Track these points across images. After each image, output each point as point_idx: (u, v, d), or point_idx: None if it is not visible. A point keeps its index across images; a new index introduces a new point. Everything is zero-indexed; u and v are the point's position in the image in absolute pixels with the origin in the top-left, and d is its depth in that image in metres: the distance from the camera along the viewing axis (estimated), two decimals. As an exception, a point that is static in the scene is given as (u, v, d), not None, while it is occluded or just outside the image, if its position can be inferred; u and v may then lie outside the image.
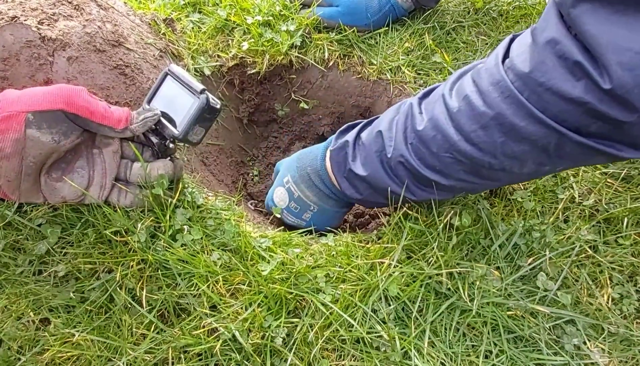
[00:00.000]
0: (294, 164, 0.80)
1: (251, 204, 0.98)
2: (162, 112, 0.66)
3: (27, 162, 0.57)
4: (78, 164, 0.62)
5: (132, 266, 0.65)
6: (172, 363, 0.61)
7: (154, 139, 0.66)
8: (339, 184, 0.73)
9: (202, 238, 0.68)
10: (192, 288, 0.65)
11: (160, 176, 0.64)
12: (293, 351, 0.61)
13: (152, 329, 0.63)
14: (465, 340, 0.64)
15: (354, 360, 0.62)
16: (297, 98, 1.07)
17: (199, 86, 0.64)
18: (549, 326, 0.65)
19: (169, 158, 0.68)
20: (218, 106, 0.65)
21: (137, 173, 0.64)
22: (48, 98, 0.57)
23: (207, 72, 0.96)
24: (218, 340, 0.60)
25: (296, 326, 0.63)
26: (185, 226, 0.68)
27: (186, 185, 0.74)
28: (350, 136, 0.71)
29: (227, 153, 1.01)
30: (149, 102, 0.67)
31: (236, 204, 0.79)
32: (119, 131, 0.61)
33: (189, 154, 0.88)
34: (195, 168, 0.86)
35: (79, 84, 0.73)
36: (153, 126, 0.65)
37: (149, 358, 0.60)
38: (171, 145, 0.66)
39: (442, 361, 0.62)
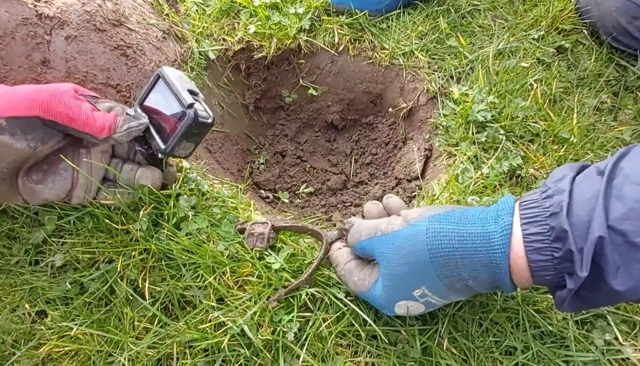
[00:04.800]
0: (432, 272, 0.51)
1: (266, 198, 0.93)
2: (150, 119, 0.61)
3: (0, 167, 0.55)
4: (62, 166, 0.59)
5: (133, 256, 0.62)
6: (177, 359, 0.57)
7: (140, 149, 0.62)
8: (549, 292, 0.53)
9: (207, 227, 0.65)
10: (198, 280, 0.61)
11: (140, 186, 0.61)
12: (305, 347, 0.57)
13: (155, 323, 0.60)
14: (488, 336, 0.60)
15: (369, 357, 0.58)
16: (305, 84, 1.03)
17: (188, 99, 0.58)
18: (578, 321, 0.61)
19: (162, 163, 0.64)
20: (209, 121, 0.59)
21: (126, 177, 0.62)
22: (24, 103, 0.54)
23: (212, 56, 0.92)
24: (226, 335, 0.57)
25: (308, 320, 0.59)
26: (189, 213, 0.64)
27: (189, 171, 0.71)
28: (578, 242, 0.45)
29: (233, 141, 0.98)
30: (140, 104, 0.63)
31: (243, 192, 0.75)
32: (101, 139, 0.58)
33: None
34: (200, 155, 0.83)
35: (77, 65, 0.69)
36: (141, 134, 0.61)
37: (152, 354, 0.57)
38: (160, 155, 0.62)
39: (464, 357, 0.58)
